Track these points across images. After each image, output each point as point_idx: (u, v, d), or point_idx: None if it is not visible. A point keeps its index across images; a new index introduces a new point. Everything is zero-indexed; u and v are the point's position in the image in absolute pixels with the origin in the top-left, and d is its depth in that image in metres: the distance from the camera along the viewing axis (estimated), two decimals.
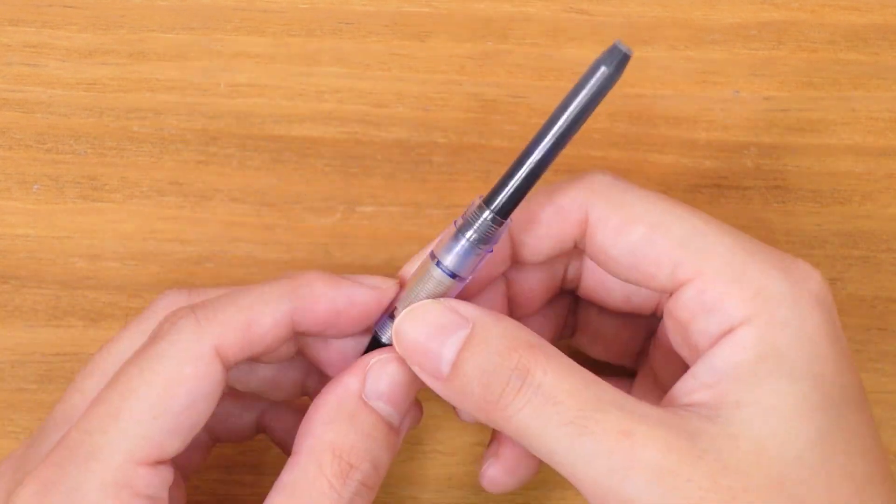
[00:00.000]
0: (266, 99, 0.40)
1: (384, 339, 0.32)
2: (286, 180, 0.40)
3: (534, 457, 0.34)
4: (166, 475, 0.29)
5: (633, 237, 0.30)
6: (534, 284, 0.34)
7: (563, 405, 0.27)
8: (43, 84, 0.40)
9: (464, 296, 0.31)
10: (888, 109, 0.40)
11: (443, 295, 0.31)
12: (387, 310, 0.32)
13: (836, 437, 0.27)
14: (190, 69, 0.40)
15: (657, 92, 0.40)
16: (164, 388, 0.29)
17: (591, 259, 0.32)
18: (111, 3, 0.40)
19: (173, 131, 0.40)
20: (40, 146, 0.40)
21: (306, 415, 0.30)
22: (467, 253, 0.31)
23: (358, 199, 0.40)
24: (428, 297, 0.31)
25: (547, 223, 0.31)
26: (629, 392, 0.31)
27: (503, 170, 0.30)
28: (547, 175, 0.30)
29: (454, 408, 0.33)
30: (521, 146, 0.40)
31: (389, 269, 0.40)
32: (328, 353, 0.33)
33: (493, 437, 0.34)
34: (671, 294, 0.30)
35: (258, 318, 0.30)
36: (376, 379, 0.30)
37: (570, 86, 0.40)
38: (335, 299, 0.31)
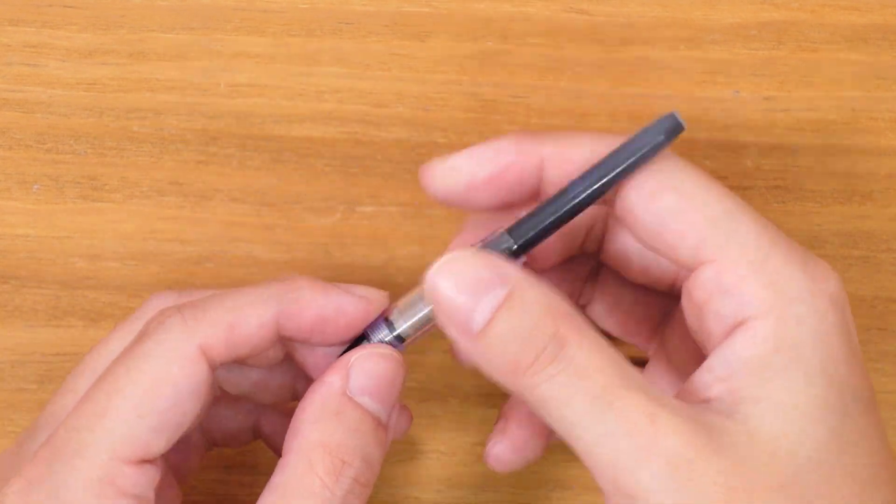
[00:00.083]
0: (266, 99, 0.40)
1: (374, 342, 0.32)
2: (286, 180, 0.40)
3: (541, 436, 0.34)
4: (153, 474, 0.29)
5: (664, 205, 0.29)
6: (553, 237, 0.34)
7: (591, 380, 0.27)
8: (43, 84, 0.40)
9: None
10: (888, 109, 0.40)
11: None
12: (381, 315, 0.32)
13: (845, 439, 0.27)
14: (190, 69, 0.40)
15: (657, 92, 0.40)
16: (149, 387, 0.29)
17: (618, 217, 0.31)
18: (111, 3, 0.40)
19: (173, 131, 0.40)
20: (40, 146, 0.40)
21: (293, 417, 0.30)
22: None
23: (358, 199, 0.40)
24: (428, 311, 0.31)
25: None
26: None
27: None
28: None
29: (451, 347, 0.32)
30: None
31: (389, 269, 0.40)
32: (315, 358, 0.33)
33: (500, 416, 0.34)
34: (691, 272, 0.30)
35: (244, 319, 0.30)
36: (359, 374, 0.30)
37: (569, 85, 0.40)
38: (323, 306, 0.31)
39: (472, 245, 0.31)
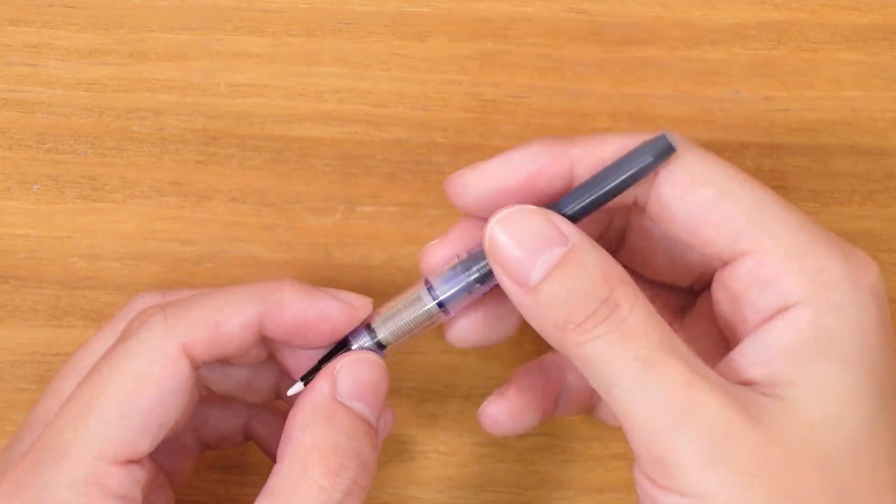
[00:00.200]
0: (266, 99, 0.40)
1: (355, 347, 0.32)
2: (286, 180, 0.40)
3: (538, 409, 0.34)
4: (138, 475, 0.29)
5: (701, 197, 0.29)
6: None
7: (638, 342, 0.27)
8: (43, 84, 0.40)
9: None
10: (888, 109, 0.40)
11: (424, 322, 0.31)
12: (364, 320, 0.32)
13: (881, 426, 0.28)
14: (190, 69, 0.40)
15: (657, 92, 0.40)
16: (132, 387, 0.29)
17: (649, 214, 0.31)
18: (111, 3, 0.40)
19: (173, 131, 0.40)
20: (40, 146, 0.40)
21: (286, 424, 0.30)
22: (463, 289, 0.31)
23: (358, 199, 0.40)
24: (410, 321, 0.31)
25: None
26: None
27: None
28: None
29: (443, 328, 0.32)
30: None
31: (389, 269, 0.40)
32: (296, 359, 0.33)
33: (506, 382, 0.34)
34: (726, 264, 0.30)
35: (227, 319, 0.30)
36: (346, 379, 0.30)
37: (569, 85, 0.40)
38: (305, 310, 0.31)
39: (457, 255, 0.31)
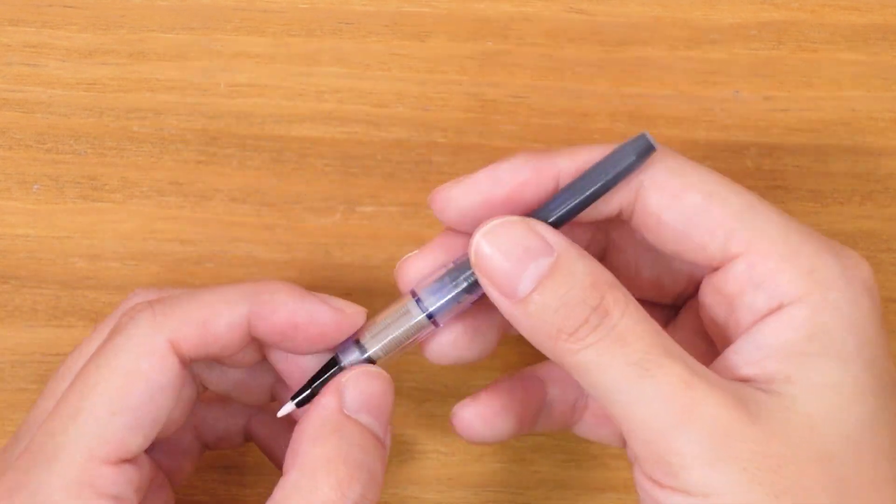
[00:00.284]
0: (266, 99, 0.40)
1: (345, 364, 0.31)
2: (286, 180, 0.40)
3: (512, 415, 0.33)
4: (132, 474, 0.29)
5: (690, 203, 0.29)
6: None
7: (631, 347, 0.27)
8: (43, 84, 0.40)
9: None
10: (888, 109, 0.40)
11: (414, 335, 0.31)
12: (352, 336, 0.32)
13: (881, 421, 0.28)
14: (190, 69, 0.40)
15: (657, 92, 0.40)
16: (121, 384, 0.29)
17: (638, 225, 0.31)
18: (111, 3, 0.40)
19: (173, 131, 0.40)
20: (40, 146, 0.40)
21: (292, 439, 0.30)
22: (452, 300, 0.31)
23: (358, 199, 0.40)
24: (399, 335, 0.31)
25: None
26: None
27: None
28: None
29: (422, 346, 0.32)
30: (521, 146, 0.40)
31: (389, 269, 0.39)
32: (288, 365, 0.32)
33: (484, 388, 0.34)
34: (716, 269, 0.30)
35: (215, 316, 0.30)
36: (353, 393, 0.30)
37: (569, 85, 0.40)
38: (295, 311, 0.31)
39: (443, 265, 0.31)
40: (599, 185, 0.29)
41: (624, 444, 0.34)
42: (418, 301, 0.31)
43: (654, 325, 0.28)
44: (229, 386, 0.34)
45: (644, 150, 0.29)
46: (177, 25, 0.40)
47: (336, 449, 0.29)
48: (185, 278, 0.40)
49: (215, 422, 0.36)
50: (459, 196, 0.31)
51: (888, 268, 0.40)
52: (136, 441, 0.29)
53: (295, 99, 0.40)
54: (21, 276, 0.40)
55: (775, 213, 0.29)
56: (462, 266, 0.30)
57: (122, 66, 0.40)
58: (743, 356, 0.29)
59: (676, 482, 0.27)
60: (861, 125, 0.40)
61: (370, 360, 0.31)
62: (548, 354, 0.29)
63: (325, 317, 0.31)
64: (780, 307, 0.28)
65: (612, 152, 0.30)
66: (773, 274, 0.28)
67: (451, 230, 0.32)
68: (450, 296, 0.31)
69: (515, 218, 0.29)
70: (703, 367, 0.28)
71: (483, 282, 0.29)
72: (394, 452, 0.39)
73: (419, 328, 0.31)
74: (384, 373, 0.31)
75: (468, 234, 0.30)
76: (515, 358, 0.39)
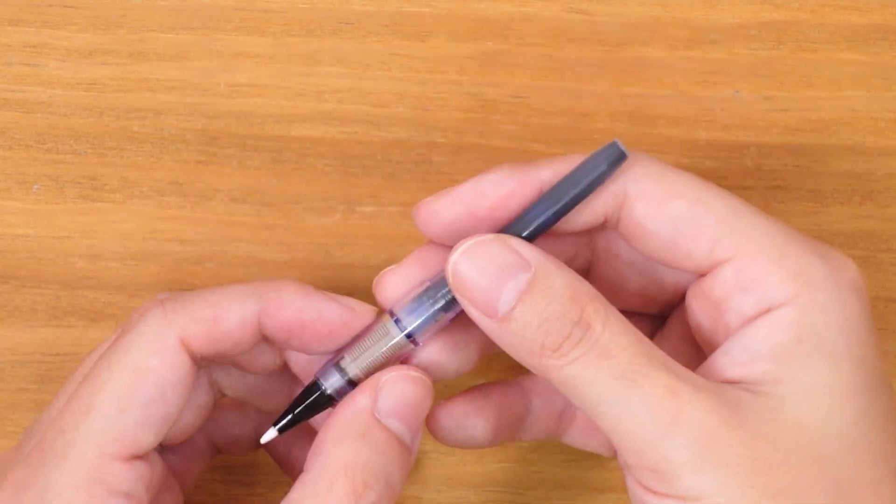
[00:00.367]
0: (266, 99, 0.40)
1: (326, 387, 0.31)
2: (286, 180, 0.40)
3: (488, 422, 0.33)
4: (143, 471, 0.29)
5: (675, 210, 0.29)
6: None
7: (615, 359, 0.27)
8: (43, 84, 0.40)
9: None
10: (888, 109, 0.40)
11: (394, 355, 0.31)
12: (332, 358, 0.31)
13: (874, 420, 0.28)
14: (190, 69, 0.40)
15: (657, 92, 0.40)
16: (131, 381, 0.29)
17: (624, 235, 0.31)
18: (111, 3, 0.40)
19: (173, 131, 0.40)
20: (40, 146, 0.40)
21: (318, 435, 0.30)
22: (430, 318, 0.30)
23: (358, 199, 0.40)
24: (379, 356, 0.31)
25: None
26: None
27: None
28: None
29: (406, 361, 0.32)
30: (521, 146, 0.40)
31: None
32: (309, 368, 0.32)
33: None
34: (703, 275, 0.30)
35: (225, 314, 0.30)
36: (388, 396, 0.30)
37: (569, 85, 0.40)
38: (303, 309, 0.31)
39: (420, 283, 0.31)
40: (571, 196, 0.29)
41: (614, 453, 0.34)
42: (397, 321, 0.31)
43: (636, 334, 0.28)
44: (247, 392, 0.34)
45: (615, 159, 0.29)
46: (177, 25, 0.40)
47: (357, 455, 0.29)
48: (185, 278, 0.40)
49: (227, 425, 0.35)
50: (443, 209, 0.30)
51: (888, 268, 0.40)
52: (147, 438, 0.29)
53: (295, 99, 0.40)
54: (21, 276, 0.40)
55: (760, 217, 0.29)
56: (440, 283, 0.30)
57: (122, 66, 0.40)
58: (731, 358, 0.29)
59: (669, 489, 0.27)
60: (861, 125, 0.40)
61: (351, 383, 0.31)
62: (532, 370, 0.29)
63: (334, 314, 0.31)
64: (768, 310, 0.28)
65: (582, 162, 0.29)
66: (760, 277, 0.28)
67: (432, 243, 0.32)
68: (427, 314, 0.30)
69: (490, 236, 0.29)
70: (689, 372, 0.28)
71: (463, 302, 0.29)
72: None
73: (398, 348, 0.31)
74: (425, 379, 0.31)
75: (450, 248, 0.29)
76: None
